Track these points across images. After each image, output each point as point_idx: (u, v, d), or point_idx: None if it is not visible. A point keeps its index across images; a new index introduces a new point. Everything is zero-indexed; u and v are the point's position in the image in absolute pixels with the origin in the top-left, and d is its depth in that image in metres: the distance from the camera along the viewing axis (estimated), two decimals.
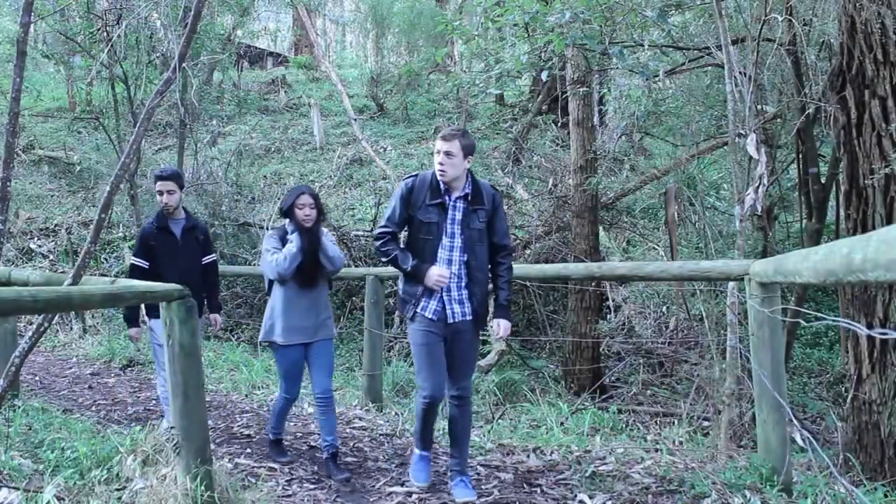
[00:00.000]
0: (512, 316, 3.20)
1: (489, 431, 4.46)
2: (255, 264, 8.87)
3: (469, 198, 3.33)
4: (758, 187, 4.22)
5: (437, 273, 3.28)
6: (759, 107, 5.95)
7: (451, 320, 3.32)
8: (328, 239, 3.88)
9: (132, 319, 4.47)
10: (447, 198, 3.31)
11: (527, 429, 4.62)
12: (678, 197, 7.58)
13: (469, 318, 3.35)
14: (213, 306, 4.68)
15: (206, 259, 4.57)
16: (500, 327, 3.36)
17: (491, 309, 3.69)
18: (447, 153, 3.22)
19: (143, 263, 4.28)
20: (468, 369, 3.44)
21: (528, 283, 7.88)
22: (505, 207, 9.86)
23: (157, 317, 3.88)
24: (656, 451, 3.86)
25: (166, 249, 4.33)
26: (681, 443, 4.25)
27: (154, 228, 4.37)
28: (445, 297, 3.33)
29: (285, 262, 3.69)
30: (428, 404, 3.36)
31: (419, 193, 3.33)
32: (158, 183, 4.37)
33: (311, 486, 3.60)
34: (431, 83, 16.44)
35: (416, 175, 3.41)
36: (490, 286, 3.46)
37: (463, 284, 3.34)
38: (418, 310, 3.33)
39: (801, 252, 2.25)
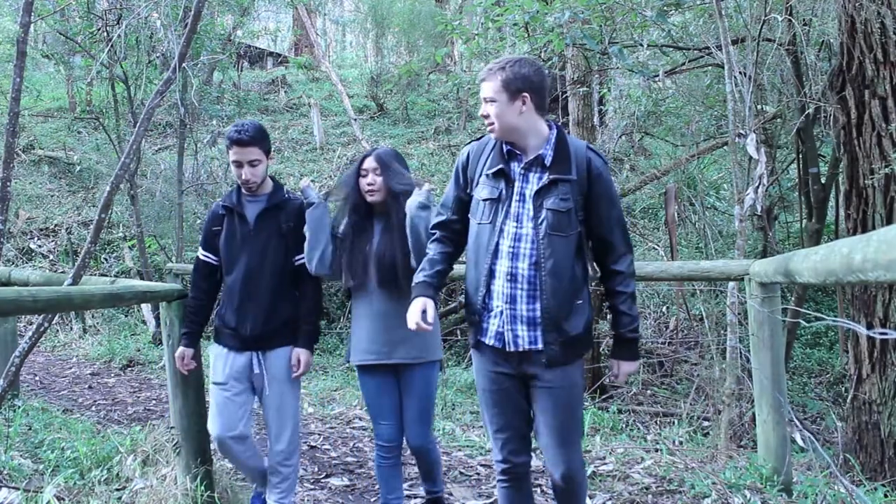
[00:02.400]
0: (640, 352, 2.16)
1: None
2: None
3: (546, 163, 2.22)
4: (758, 187, 4.22)
5: (412, 312, 2.26)
6: (759, 107, 5.95)
7: (511, 348, 2.21)
8: (420, 203, 2.65)
9: (181, 337, 3.00)
10: (515, 164, 2.25)
11: None
12: (678, 197, 7.58)
13: (541, 346, 2.18)
14: (303, 335, 2.91)
15: (299, 259, 2.91)
16: (619, 370, 2.26)
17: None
18: (486, 99, 2.21)
19: (211, 258, 2.95)
20: (564, 430, 2.22)
21: None
22: None
23: (220, 343, 2.92)
24: (656, 451, 3.86)
25: (231, 241, 2.89)
26: (681, 443, 4.25)
27: (220, 209, 2.96)
28: (507, 313, 2.20)
29: (310, 253, 2.80)
30: (502, 478, 2.34)
31: (478, 161, 2.32)
32: (234, 149, 2.81)
33: (311, 486, 3.60)
34: (431, 83, 16.44)
35: (481, 138, 2.39)
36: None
37: (536, 295, 2.18)
38: (479, 336, 2.28)
39: (801, 252, 2.25)
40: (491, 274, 2.22)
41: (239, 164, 2.82)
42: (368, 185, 2.77)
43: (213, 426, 2.83)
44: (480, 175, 2.29)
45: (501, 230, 2.21)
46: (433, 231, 2.44)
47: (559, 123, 2.34)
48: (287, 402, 2.87)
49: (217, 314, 2.97)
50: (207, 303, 3.01)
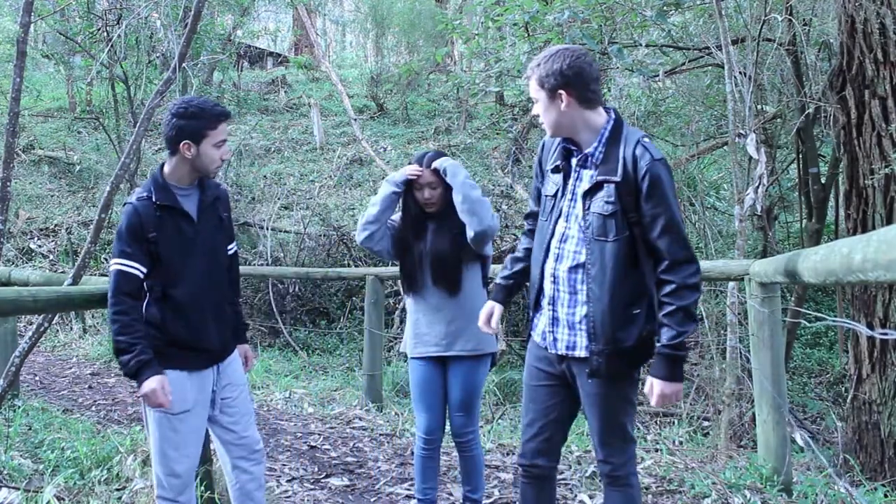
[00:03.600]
0: (681, 373, 2.05)
1: (489, 431, 4.46)
2: (254, 265, 8.87)
3: (596, 161, 2.10)
4: (758, 187, 4.22)
5: (482, 313, 2.39)
6: (759, 107, 5.95)
7: (553, 349, 2.18)
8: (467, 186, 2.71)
9: (142, 368, 2.37)
10: (573, 159, 2.16)
11: None
12: (678, 197, 7.57)
13: (583, 354, 2.11)
14: (242, 332, 2.71)
15: (231, 248, 2.64)
16: (651, 390, 2.04)
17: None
18: (533, 99, 2.16)
19: (138, 269, 2.35)
20: (602, 433, 2.15)
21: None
22: (506, 208, 9.49)
23: (173, 367, 2.41)
24: (656, 451, 3.86)
25: (178, 246, 2.41)
26: (681, 443, 4.25)
27: (154, 208, 2.37)
28: (548, 313, 2.17)
29: (362, 221, 2.85)
30: (522, 474, 2.29)
31: (549, 154, 2.26)
32: (223, 125, 2.41)
33: (311, 486, 3.60)
34: (431, 83, 16.44)
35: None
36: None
37: (580, 300, 2.11)
38: (531, 330, 2.29)
39: (803, 252, 2.25)
40: (542, 273, 2.20)
41: (221, 144, 2.42)
42: (426, 199, 2.80)
43: (184, 463, 2.44)
44: (547, 168, 2.25)
45: (553, 229, 2.17)
46: (525, 220, 2.41)
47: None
48: (248, 401, 2.65)
49: (158, 335, 2.44)
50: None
